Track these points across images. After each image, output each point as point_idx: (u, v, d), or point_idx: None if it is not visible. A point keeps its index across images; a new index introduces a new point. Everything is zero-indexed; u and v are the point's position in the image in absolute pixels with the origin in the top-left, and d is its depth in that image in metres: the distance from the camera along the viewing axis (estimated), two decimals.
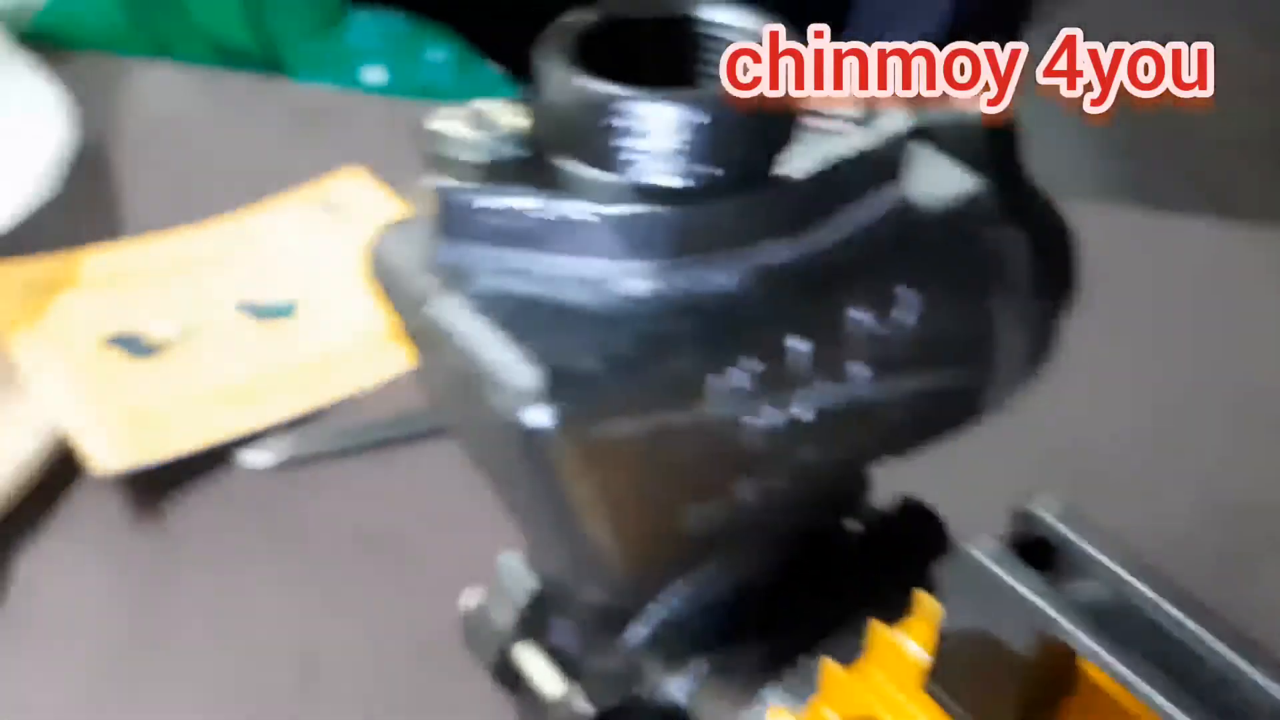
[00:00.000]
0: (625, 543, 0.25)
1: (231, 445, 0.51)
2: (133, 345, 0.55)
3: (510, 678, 0.31)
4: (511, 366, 0.22)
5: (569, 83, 0.23)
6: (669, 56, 0.25)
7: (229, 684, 0.44)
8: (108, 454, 0.48)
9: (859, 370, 0.27)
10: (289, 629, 0.46)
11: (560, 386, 0.22)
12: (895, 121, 0.26)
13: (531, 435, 0.22)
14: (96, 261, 0.59)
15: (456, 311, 0.23)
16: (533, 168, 0.24)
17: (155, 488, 0.49)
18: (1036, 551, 0.23)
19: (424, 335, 0.24)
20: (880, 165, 0.25)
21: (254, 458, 0.51)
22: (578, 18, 0.25)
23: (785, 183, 0.24)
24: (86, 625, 0.46)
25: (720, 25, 0.25)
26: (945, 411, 0.30)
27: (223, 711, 0.43)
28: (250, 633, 0.45)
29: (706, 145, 0.23)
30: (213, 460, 0.51)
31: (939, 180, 0.27)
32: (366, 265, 0.26)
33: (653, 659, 0.29)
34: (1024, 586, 0.21)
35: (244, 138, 0.71)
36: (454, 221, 0.24)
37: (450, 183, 0.23)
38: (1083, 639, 0.20)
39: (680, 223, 0.23)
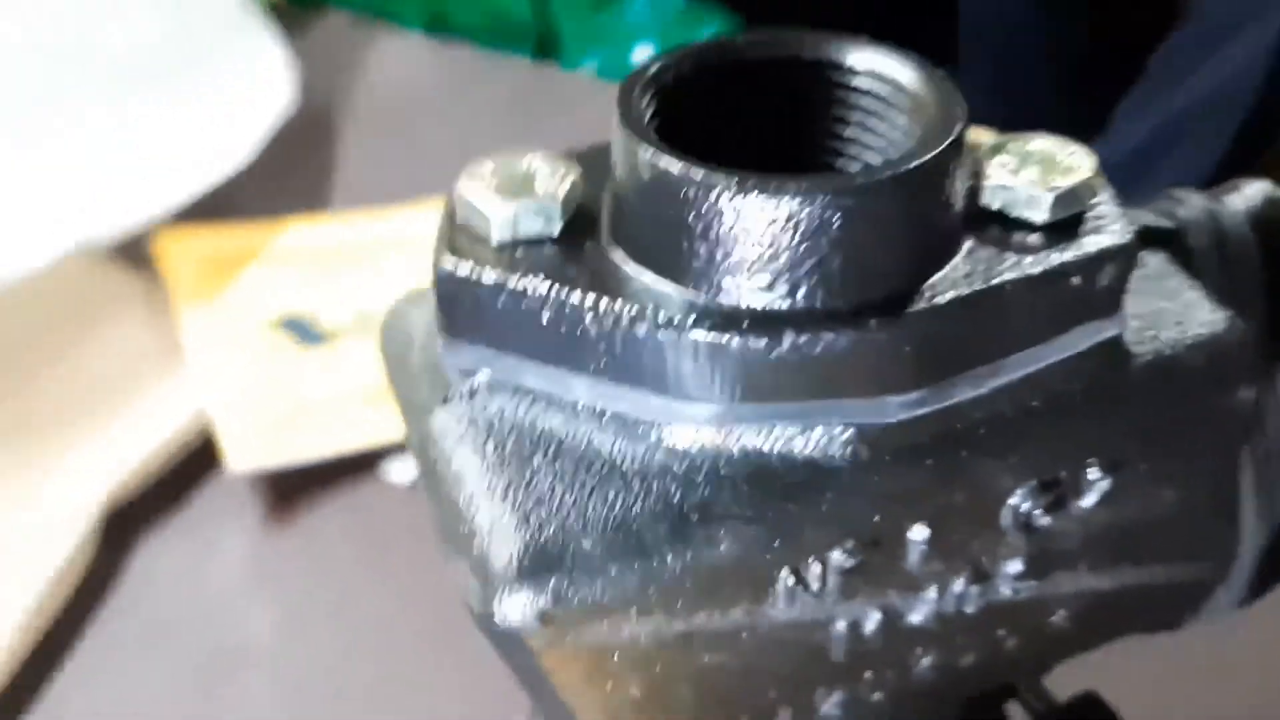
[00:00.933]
0: None
1: (379, 454, 0.48)
2: (303, 330, 0.52)
3: None
4: (491, 532, 0.16)
5: (638, 155, 0.17)
6: (784, 117, 0.18)
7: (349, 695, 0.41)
8: (248, 452, 0.46)
9: (1008, 568, 0.19)
10: (416, 650, 0.42)
11: (545, 571, 0.16)
12: (1113, 227, 0.18)
13: (500, 631, 0.16)
14: (287, 235, 0.57)
15: (451, 436, 0.18)
16: (574, 255, 0.17)
17: (293, 488, 0.46)
18: None
19: (418, 448, 0.18)
20: (1080, 292, 0.18)
21: (399, 472, 0.47)
22: (669, 60, 0.18)
23: (926, 313, 0.17)
24: (199, 622, 0.43)
25: (866, 76, 0.18)
26: (1140, 614, 0.22)
27: None
28: (373, 650, 0.42)
29: (831, 257, 0.16)
30: (357, 467, 0.47)
31: (1173, 310, 0.19)
32: (378, 339, 0.20)
33: None
34: None
35: (470, 117, 0.68)
36: (461, 316, 0.18)
37: (457, 265, 0.17)
38: None
39: (772, 360, 0.16)
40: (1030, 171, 0.18)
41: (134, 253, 0.53)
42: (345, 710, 0.41)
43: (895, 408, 0.17)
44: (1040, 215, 0.17)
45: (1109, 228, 0.18)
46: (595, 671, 0.17)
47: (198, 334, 0.50)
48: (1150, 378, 0.18)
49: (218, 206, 0.56)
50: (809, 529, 0.17)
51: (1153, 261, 0.20)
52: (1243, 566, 0.22)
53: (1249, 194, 0.22)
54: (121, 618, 0.43)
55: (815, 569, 0.17)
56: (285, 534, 0.46)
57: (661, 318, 0.16)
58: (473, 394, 0.18)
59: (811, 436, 0.17)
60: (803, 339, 0.16)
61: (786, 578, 0.17)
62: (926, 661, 0.20)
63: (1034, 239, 0.17)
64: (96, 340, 0.50)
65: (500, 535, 0.16)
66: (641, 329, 0.16)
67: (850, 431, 0.17)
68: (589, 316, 0.17)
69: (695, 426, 0.17)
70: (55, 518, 0.44)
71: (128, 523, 0.45)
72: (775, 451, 0.17)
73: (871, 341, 0.16)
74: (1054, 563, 0.19)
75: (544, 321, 0.17)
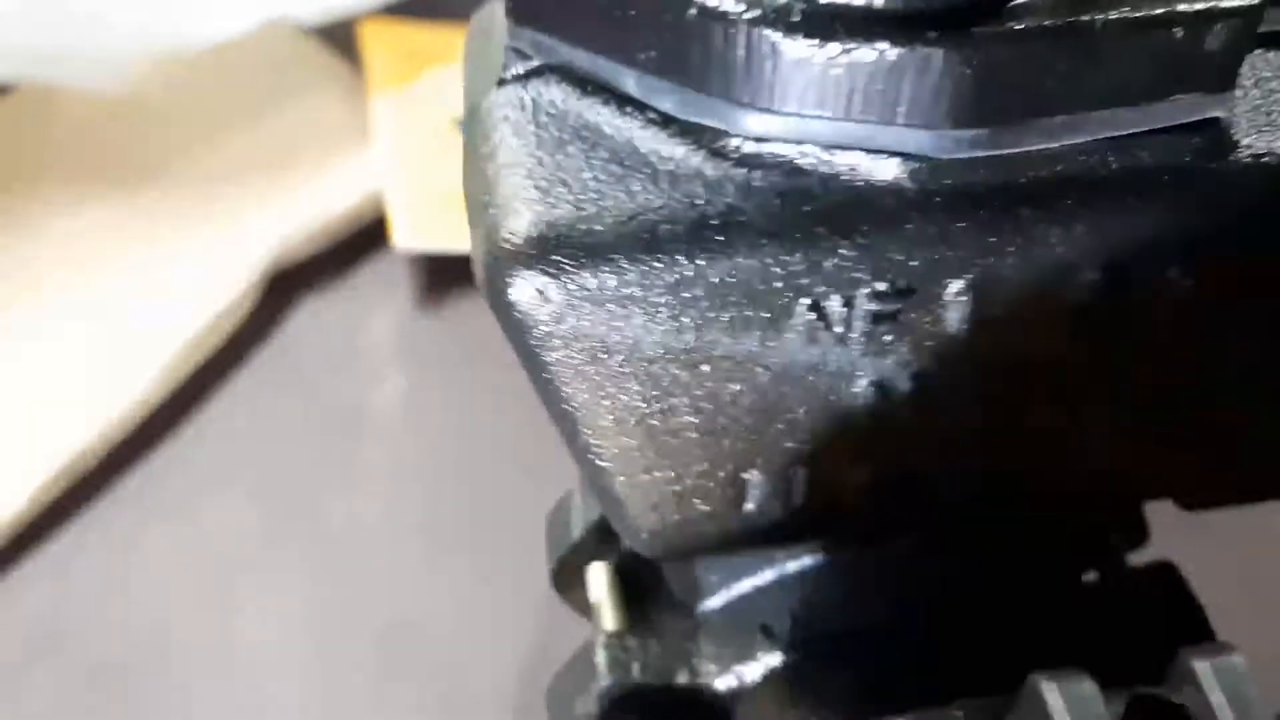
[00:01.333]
0: (634, 480, 0.18)
1: None
2: None
3: (563, 585, 0.26)
4: (508, 204, 0.16)
5: None
6: None
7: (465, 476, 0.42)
8: (415, 232, 0.47)
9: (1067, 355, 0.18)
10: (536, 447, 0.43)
11: (554, 247, 0.16)
12: None
13: (505, 304, 0.16)
14: None
15: (495, 115, 0.17)
16: None
17: (449, 276, 0.48)
18: None
19: (466, 130, 0.18)
20: (1184, 52, 0.16)
21: None
22: None
23: (998, 36, 0.15)
24: (339, 382, 0.46)
25: None
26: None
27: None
28: (493, 436, 0.43)
29: None
30: None
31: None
32: (467, 34, 0.20)
33: (713, 642, 0.23)
34: None
35: None
36: None
37: None
38: None
39: (816, 65, 0.15)
40: None
41: (340, 37, 0.55)
42: (457, 485, 0.42)
43: (952, 143, 0.16)
44: None
45: None
46: (597, 371, 0.17)
47: (386, 119, 0.52)
48: (1258, 177, 0.16)
49: (426, 5, 0.57)
50: (837, 260, 0.16)
51: None
52: None
53: None
54: (268, 367, 0.46)
55: (839, 306, 0.16)
56: (434, 316, 0.47)
57: (712, 4, 0.15)
58: (525, 77, 0.17)
59: (856, 160, 0.16)
60: (851, 43, 0.15)
61: (806, 310, 0.16)
62: (962, 450, 0.19)
63: None
64: (290, 111, 0.52)
65: (516, 207, 0.16)
66: (691, 13, 0.15)
67: (897, 161, 0.16)
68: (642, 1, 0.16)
69: (736, 133, 0.16)
70: (224, 268, 0.47)
71: (291, 283, 0.48)
72: (817, 172, 0.16)
73: (929, 58, 0.15)
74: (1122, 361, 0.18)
75: (599, 5, 0.16)
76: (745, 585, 0.23)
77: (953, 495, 0.20)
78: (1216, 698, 0.14)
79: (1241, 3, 0.15)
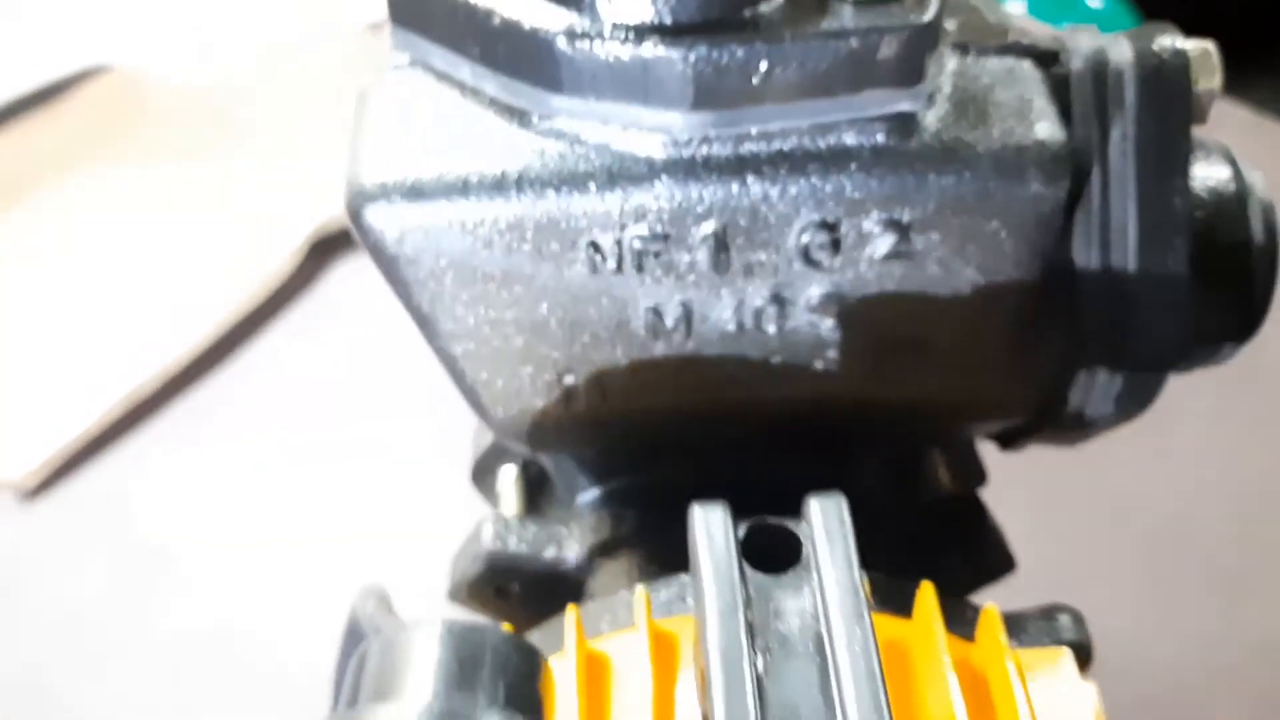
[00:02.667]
0: (478, 378, 0.24)
1: None
2: None
3: (480, 482, 0.31)
4: (370, 153, 0.22)
5: None
6: None
7: None
8: None
9: (803, 296, 0.23)
10: None
11: (402, 187, 0.21)
12: (924, 8, 0.20)
13: (363, 230, 0.22)
14: None
15: (371, 97, 0.23)
16: None
17: None
18: None
19: (355, 111, 0.24)
20: (862, 58, 0.20)
21: None
22: None
23: (706, 38, 0.20)
24: (374, 331, 0.52)
25: None
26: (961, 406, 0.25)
27: None
28: None
29: None
30: None
31: (1012, 112, 0.22)
32: None
33: (579, 528, 0.28)
34: None
35: None
36: (398, 5, 0.23)
37: None
38: None
39: (580, 60, 0.20)
40: None
41: None
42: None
43: (692, 123, 0.21)
44: None
45: (920, 8, 0.20)
46: (436, 286, 0.22)
47: None
48: (946, 158, 0.21)
49: None
50: (605, 208, 0.21)
51: (1023, 69, 0.23)
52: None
53: (1145, 36, 0.23)
54: (305, 313, 0.53)
55: (611, 243, 0.22)
56: None
57: (513, 16, 0.21)
58: (400, 69, 0.23)
59: (617, 134, 0.21)
60: (618, 46, 0.20)
61: (586, 245, 0.22)
62: (740, 375, 0.24)
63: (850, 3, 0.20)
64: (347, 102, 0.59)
65: (371, 160, 0.21)
66: (497, 23, 0.21)
67: (652, 135, 0.21)
68: (471, 13, 0.21)
69: (537, 111, 0.21)
70: (275, 231, 0.54)
71: (330, 248, 0.54)
72: (591, 142, 0.21)
73: (672, 58, 0.20)
74: (851, 308, 0.23)
75: (444, 12, 0.22)
76: (609, 484, 0.28)
77: (737, 415, 0.25)
78: (818, 530, 0.18)
79: (912, 21, 0.20)
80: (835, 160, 0.21)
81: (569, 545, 0.28)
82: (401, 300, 0.23)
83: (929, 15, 0.20)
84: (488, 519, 0.29)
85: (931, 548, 0.28)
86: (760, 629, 0.17)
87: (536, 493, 0.31)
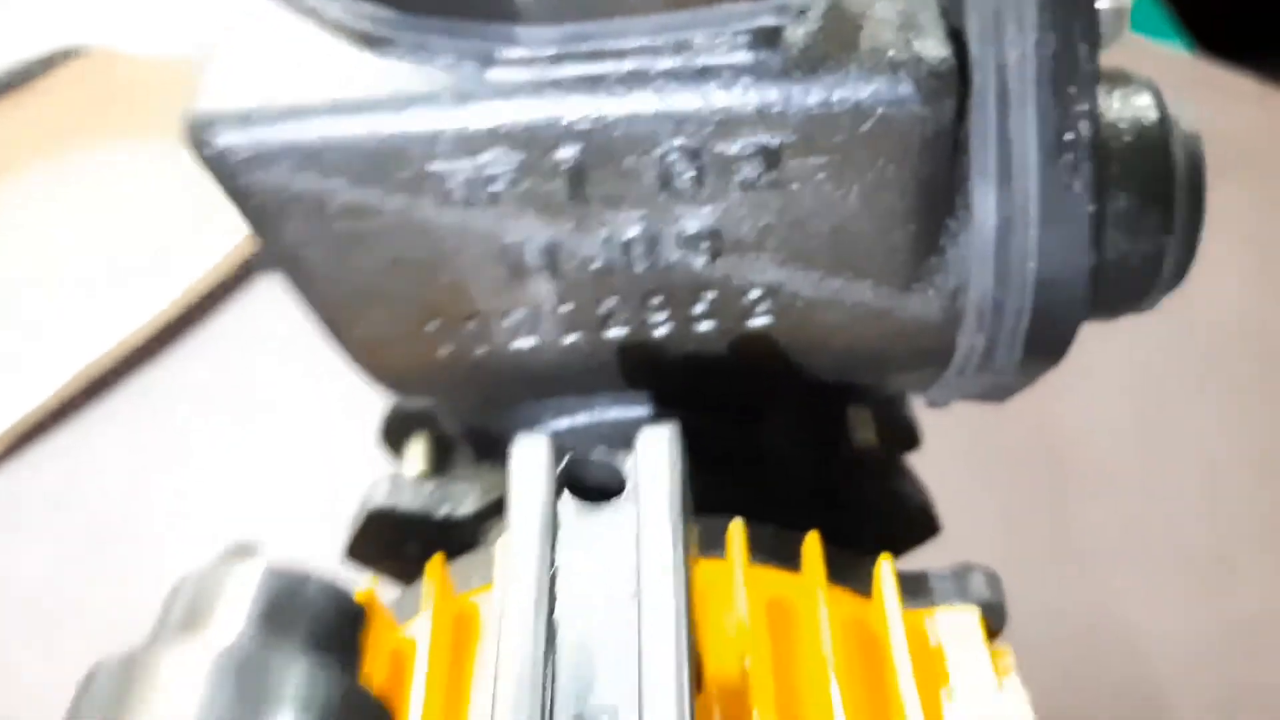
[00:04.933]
0: (340, 322, 0.23)
1: None
2: None
3: (389, 441, 0.30)
4: (214, 82, 0.21)
5: None
6: None
7: None
8: None
9: (674, 227, 0.21)
10: None
11: (242, 113, 0.20)
12: None
13: (207, 157, 0.20)
14: None
15: (222, 47, 0.22)
16: None
17: None
18: None
19: None
20: None
21: None
22: None
23: None
24: None
25: None
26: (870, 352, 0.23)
27: None
28: None
29: None
30: None
31: (894, 28, 0.20)
32: None
33: (474, 487, 0.27)
34: None
35: None
36: None
37: None
38: None
39: None
40: None
41: None
42: None
43: (537, 39, 0.19)
44: None
45: None
46: (290, 225, 0.21)
47: None
48: (813, 76, 0.20)
49: None
50: (452, 130, 0.20)
51: None
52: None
53: None
54: (268, 295, 0.52)
55: (460, 172, 0.20)
56: None
57: None
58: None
59: (462, 52, 0.20)
60: None
61: (433, 174, 0.20)
62: (617, 317, 0.22)
63: None
64: None
65: (213, 86, 0.20)
66: None
67: (493, 54, 0.20)
68: None
69: (380, 32, 0.20)
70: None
71: None
72: (436, 63, 0.20)
73: None
74: (727, 243, 0.21)
75: None
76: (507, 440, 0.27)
77: (622, 361, 0.23)
78: (644, 462, 0.17)
79: None
80: (694, 79, 0.20)
81: (465, 504, 0.27)
82: (256, 238, 0.22)
83: None
84: (382, 478, 0.27)
85: (847, 507, 0.27)
86: (566, 567, 0.16)
87: (448, 454, 0.29)
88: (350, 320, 0.23)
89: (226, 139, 0.20)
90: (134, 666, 0.15)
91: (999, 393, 0.26)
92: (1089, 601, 0.45)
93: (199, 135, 0.20)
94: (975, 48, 0.21)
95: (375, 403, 0.44)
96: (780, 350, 0.23)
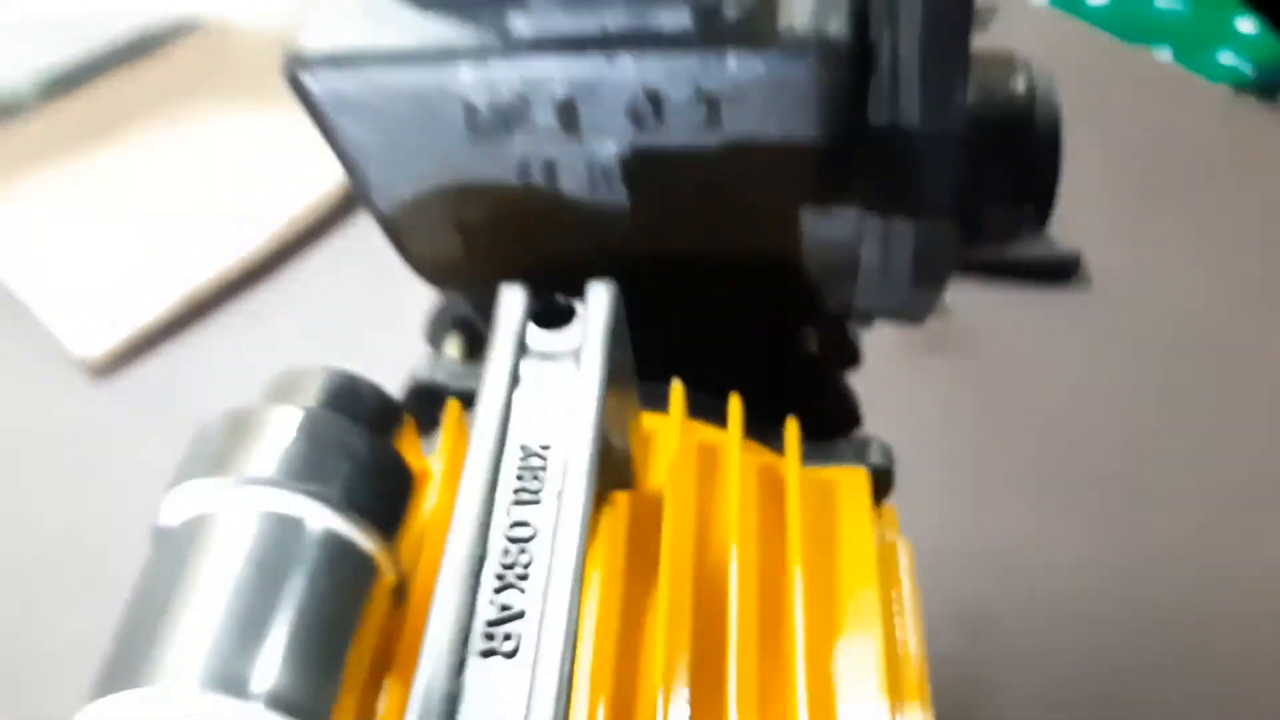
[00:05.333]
0: (396, 224, 0.30)
1: None
2: None
3: (432, 339, 0.37)
4: (316, 24, 0.28)
5: None
6: None
7: None
8: None
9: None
10: None
11: (333, 57, 0.27)
12: None
13: (302, 94, 0.28)
14: None
15: None
16: None
17: None
18: None
19: None
20: None
21: None
22: None
23: None
24: None
25: None
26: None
27: None
28: None
29: None
30: None
31: (804, 13, 0.27)
32: None
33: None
34: None
35: None
36: None
37: None
38: None
39: None
40: None
41: None
42: None
43: (539, 9, 0.27)
44: None
45: None
46: (359, 146, 0.28)
47: None
48: (741, 43, 0.26)
49: None
50: (474, 76, 0.27)
51: None
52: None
53: None
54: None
55: (484, 105, 0.27)
56: None
57: None
58: None
59: (484, 18, 0.27)
60: None
61: (465, 106, 0.28)
62: (599, 229, 0.29)
63: None
64: None
65: (310, 30, 0.28)
66: None
67: (506, 19, 0.27)
68: None
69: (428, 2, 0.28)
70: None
71: None
72: (470, 24, 0.27)
73: None
74: (677, 168, 0.28)
75: None
76: None
77: (609, 266, 0.30)
78: (591, 308, 0.24)
79: None
80: (653, 40, 0.27)
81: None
82: (334, 154, 0.29)
83: None
84: (424, 357, 0.35)
85: (787, 399, 0.34)
86: (526, 374, 0.23)
87: (478, 347, 0.37)
88: (404, 224, 0.30)
89: (312, 78, 0.27)
90: (236, 422, 0.23)
91: (907, 312, 0.32)
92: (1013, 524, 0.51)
93: (293, 71, 0.27)
94: (874, 27, 0.27)
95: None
96: (727, 260, 0.30)
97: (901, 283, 0.30)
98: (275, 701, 0.19)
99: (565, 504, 0.20)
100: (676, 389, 0.29)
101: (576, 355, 0.23)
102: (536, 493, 0.21)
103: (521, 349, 0.23)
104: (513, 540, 0.20)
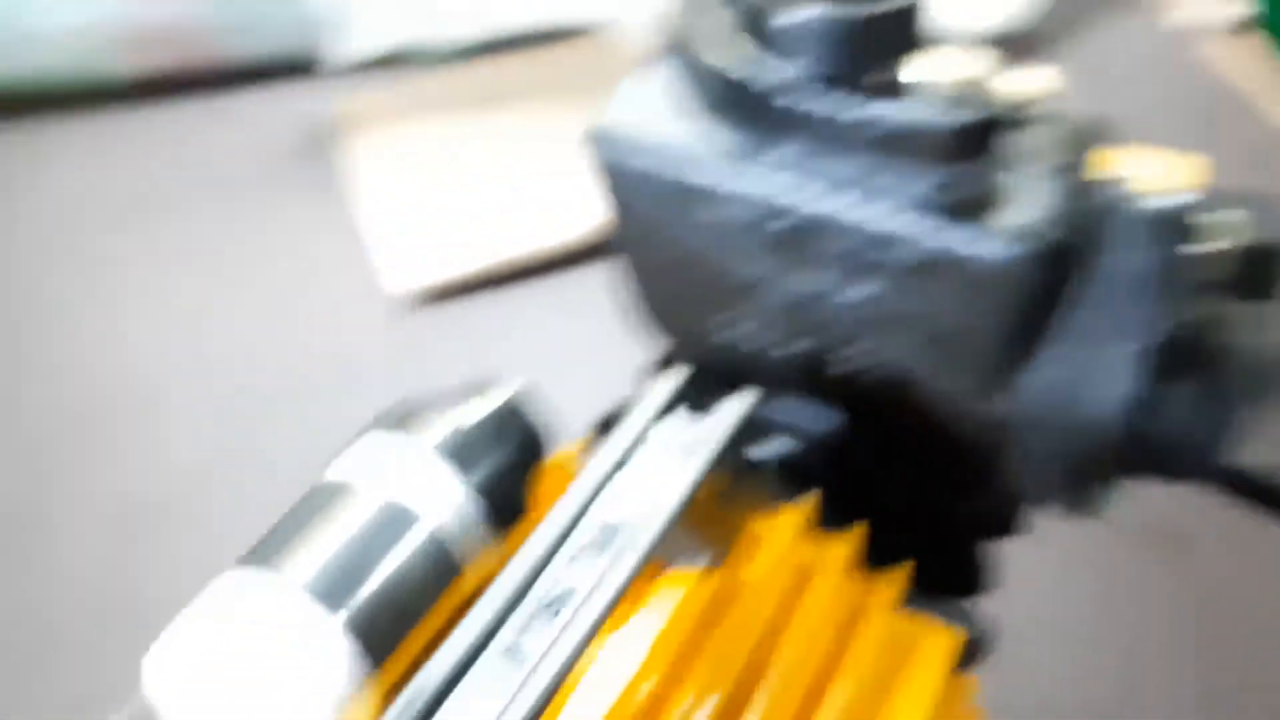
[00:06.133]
0: (641, 289, 0.34)
1: None
2: None
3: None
4: (612, 107, 0.33)
5: None
6: None
7: None
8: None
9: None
10: None
11: (618, 137, 0.32)
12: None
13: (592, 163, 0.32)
14: None
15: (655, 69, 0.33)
16: None
17: None
18: None
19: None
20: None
21: None
22: None
23: None
24: None
25: None
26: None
27: None
28: None
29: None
30: None
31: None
32: None
33: None
34: None
35: None
36: None
37: None
38: None
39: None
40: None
41: None
42: None
43: (787, 145, 0.30)
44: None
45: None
46: (636, 227, 0.33)
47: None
48: (950, 224, 0.28)
49: None
50: (734, 215, 0.31)
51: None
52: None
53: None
54: None
55: (723, 213, 0.31)
56: None
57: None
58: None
59: (744, 133, 0.31)
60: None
61: (716, 225, 0.31)
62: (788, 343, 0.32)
63: None
64: None
65: (620, 104, 0.32)
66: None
67: (759, 140, 0.30)
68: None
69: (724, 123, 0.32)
70: None
71: None
72: (729, 136, 0.31)
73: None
74: (872, 314, 0.31)
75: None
76: None
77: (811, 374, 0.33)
78: (715, 420, 0.27)
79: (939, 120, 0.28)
80: (874, 202, 0.29)
81: None
82: (608, 211, 0.34)
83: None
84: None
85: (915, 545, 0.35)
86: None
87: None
88: (648, 294, 0.34)
89: (607, 151, 0.32)
90: (411, 406, 0.28)
91: (1065, 502, 0.33)
92: None
93: (594, 137, 0.32)
94: (1082, 236, 0.29)
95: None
96: (915, 405, 0.32)
97: (1047, 480, 0.32)
98: (351, 625, 0.24)
99: (612, 573, 0.24)
100: (813, 500, 0.32)
101: (689, 449, 0.27)
102: (594, 558, 0.24)
103: (640, 438, 0.27)
104: (556, 587, 0.24)
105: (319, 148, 0.81)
